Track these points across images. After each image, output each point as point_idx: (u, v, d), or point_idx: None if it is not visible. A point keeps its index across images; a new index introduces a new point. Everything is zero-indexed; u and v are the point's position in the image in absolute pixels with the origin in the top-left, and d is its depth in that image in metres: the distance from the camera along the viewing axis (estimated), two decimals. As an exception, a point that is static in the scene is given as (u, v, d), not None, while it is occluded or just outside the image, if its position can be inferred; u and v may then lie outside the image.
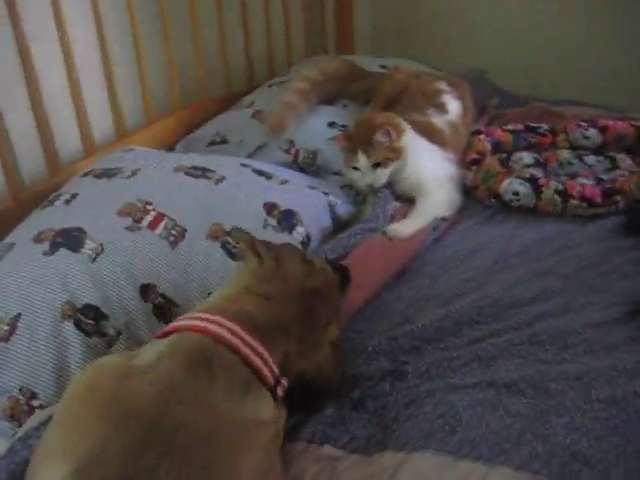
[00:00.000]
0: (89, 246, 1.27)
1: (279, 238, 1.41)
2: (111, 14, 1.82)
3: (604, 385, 1.09)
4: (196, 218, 1.37)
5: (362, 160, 1.63)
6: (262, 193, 1.48)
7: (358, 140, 1.64)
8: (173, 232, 1.33)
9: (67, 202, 1.39)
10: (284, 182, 1.56)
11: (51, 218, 1.35)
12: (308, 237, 1.48)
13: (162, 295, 1.26)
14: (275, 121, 1.84)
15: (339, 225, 1.60)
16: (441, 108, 1.82)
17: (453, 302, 1.33)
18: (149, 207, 1.35)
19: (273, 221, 1.43)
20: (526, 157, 1.84)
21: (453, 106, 1.85)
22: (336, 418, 1.10)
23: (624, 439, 0.97)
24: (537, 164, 1.80)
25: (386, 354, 1.22)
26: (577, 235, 1.52)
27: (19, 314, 1.17)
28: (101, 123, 1.84)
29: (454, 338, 1.25)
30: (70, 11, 1.67)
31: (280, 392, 0.99)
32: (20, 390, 1.14)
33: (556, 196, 1.60)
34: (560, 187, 1.60)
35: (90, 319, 1.20)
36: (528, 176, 1.68)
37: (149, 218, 1.33)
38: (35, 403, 1.14)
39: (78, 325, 1.19)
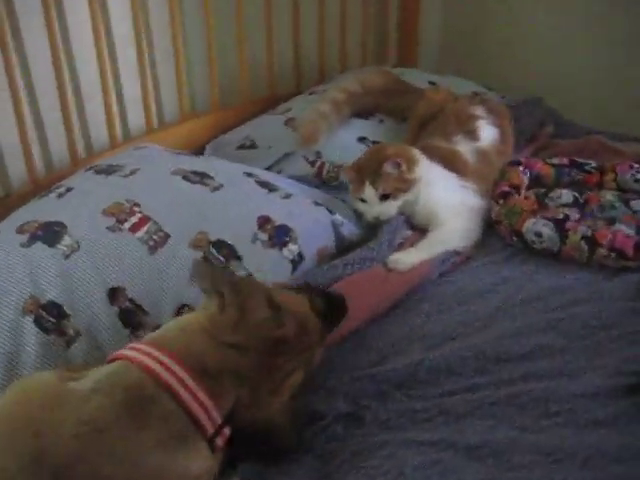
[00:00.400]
0: (66, 242, 1.25)
1: (266, 254, 1.36)
2: (155, 10, 1.82)
3: (575, 468, 0.96)
4: (182, 225, 1.33)
5: (369, 192, 1.54)
6: (259, 205, 1.42)
7: (366, 170, 1.55)
8: (155, 237, 1.29)
9: (60, 195, 1.38)
10: (287, 196, 1.49)
11: (40, 209, 1.35)
12: (300, 256, 1.40)
13: (130, 300, 1.22)
14: (307, 131, 1.79)
15: (343, 246, 1.51)
16: (472, 135, 1.69)
17: (437, 347, 1.23)
18: (136, 209, 1.32)
19: (264, 236, 1.37)
20: (565, 195, 1.68)
21: (487, 133, 1.72)
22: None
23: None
24: (575, 204, 1.65)
25: (347, 395, 1.13)
26: (597, 288, 1.36)
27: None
28: (136, 117, 1.85)
29: (426, 387, 1.15)
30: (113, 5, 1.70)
31: (220, 442, 0.92)
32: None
33: (583, 242, 1.45)
34: (589, 233, 1.45)
35: (52, 316, 1.18)
36: (561, 216, 1.53)
37: (133, 220, 1.30)
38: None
39: (38, 321, 1.17)
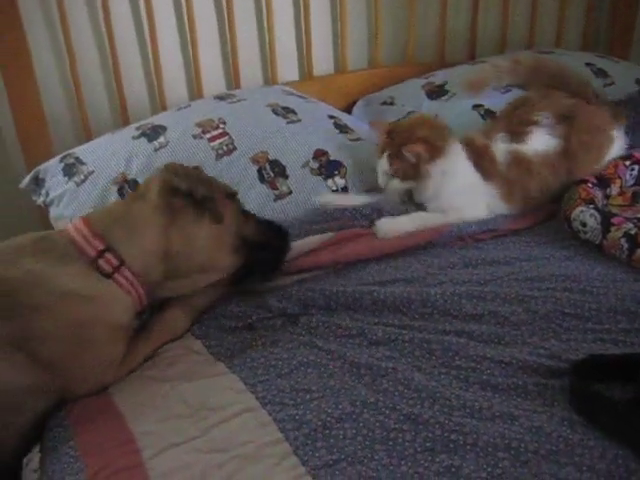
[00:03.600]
0: (160, 140, 1.62)
1: (311, 179, 1.58)
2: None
3: (433, 412, 1.02)
4: (250, 143, 1.61)
5: (382, 164, 1.54)
6: (322, 140, 1.64)
7: (393, 140, 1.53)
8: (224, 148, 1.59)
9: (180, 109, 1.77)
10: (356, 139, 1.67)
11: (161, 116, 1.75)
12: (345, 189, 1.59)
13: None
14: (474, 79, 1.86)
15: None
16: (516, 137, 1.58)
17: (401, 287, 1.31)
18: (221, 125, 1.64)
19: (315, 164, 1.59)
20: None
21: (538, 141, 1.57)
22: (224, 333, 1.27)
23: None
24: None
25: (299, 300, 1.30)
26: (606, 285, 1.27)
27: (93, 171, 1.60)
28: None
29: (366, 314, 1.25)
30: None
31: (105, 266, 1.14)
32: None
33: (623, 240, 1.36)
34: (632, 231, 1.36)
35: (130, 190, 1.56)
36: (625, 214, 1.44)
37: (214, 133, 1.62)
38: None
39: (120, 191, 1.56)
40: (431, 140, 1.50)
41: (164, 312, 1.26)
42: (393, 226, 1.49)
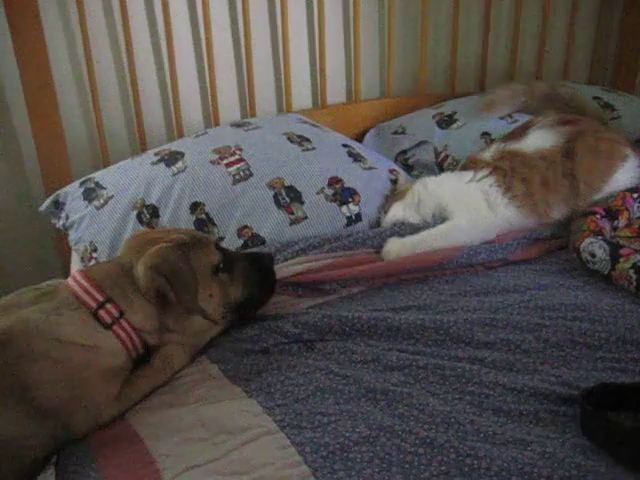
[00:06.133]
0: (178, 165, 1.67)
1: (325, 205, 1.63)
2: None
3: (449, 437, 1.05)
4: (266, 169, 1.66)
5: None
6: (336, 168, 1.69)
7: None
8: (241, 174, 1.64)
9: (197, 136, 1.82)
10: (369, 168, 1.71)
11: (179, 142, 1.80)
12: (358, 216, 1.64)
13: (206, 213, 1.60)
14: (490, 100, 2.00)
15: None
16: (514, 139, 1.69)
17: (413, 314, 1.34)
18: (238, 152, 1.69)
19: (329, 191, 1.64)
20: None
21: (533, 139, 1.68)
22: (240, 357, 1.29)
23: None
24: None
25: (316, 326, 1.32)
26: (616, 314, 1.30)
27: (112, 196, 1.64)
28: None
29: (380, 340, 1.28)
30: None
31: (106, 317, 1.16)
32: (89, 243, 1.61)
33: (632, 272, 1.39)
34: (640, 262, 1.39)
35: (149, 214, 1.60)
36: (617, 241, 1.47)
37: (232, 159, 1.67)
38: (94, 254, 1.60)
39: (139, 216, 1.60)
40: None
41: (162, 349, 1.26)
42: (402, 247, 1.53)
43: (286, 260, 1.51)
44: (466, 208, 1.61)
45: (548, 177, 1.64)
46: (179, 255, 1.20)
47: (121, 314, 1.18)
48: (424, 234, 1.57)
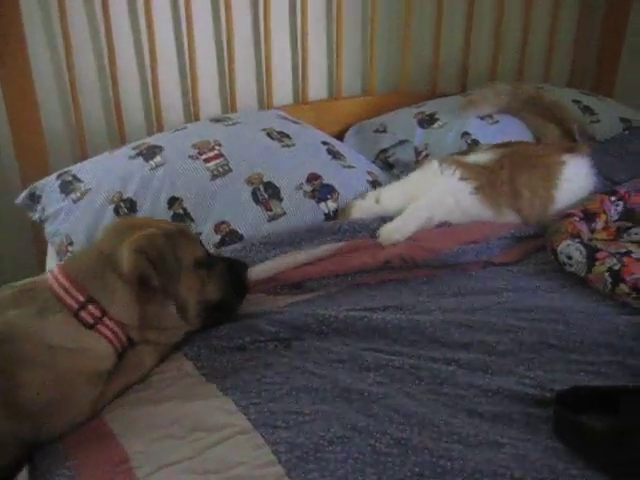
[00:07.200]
0: (156, 160, 1.65)
1: (304, 202, 1.63)
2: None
3: (420, 436, 1.04)
4: (245, 165, 1.65)
5: None
6: (315, 165, 1.69)
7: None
8: (220, 169, 1.63)
9: (177, 130, 1.81)
10: (348, 167, 1.71)
11: (158, 137, 1.78)
12: (336, 212, 1.65)
13: (184, 208, 1.58)
14: (470, 99, 2.05)
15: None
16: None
17: (391, 314, 1.34)
18: (217, 147, 1.68)
19: (308, 187, 1.64)
20: (646, 234, 1.60)
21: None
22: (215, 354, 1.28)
23: None
24: (649, 244, 1.56)
25: (293, 324, 1.32)
26: (590, 317, 1.32)
27: (90, 189, 1.62)
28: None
29: (357, 340, 1.28)
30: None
31: (87, 317, 1.13)
32: (65, 236, 1.59)
33: (607, 275, 1.40)
34: (616, 267, 1.40)
35: (126, 209, 1.59)
36: (620, 250, 1.48)
37: (210, 154, 1.66)
38: (69, 248, 1.58)
39: (116, 210, 1.59)
40: None
41: (132, 350, 1.24)
42: (396, 231, 1.55)
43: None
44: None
45: (491, 180, 1.70)
46: (165, 242, 1.19)
47: (103, 313, 1.16)
48: (408, 211, 1.60)
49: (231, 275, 1.32)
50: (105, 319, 1.16)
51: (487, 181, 1.69)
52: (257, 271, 1.44)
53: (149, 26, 1.87)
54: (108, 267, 1.18)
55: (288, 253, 1.50)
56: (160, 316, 1.23)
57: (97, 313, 1.15)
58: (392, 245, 1.52)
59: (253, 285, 1.41)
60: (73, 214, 1.60)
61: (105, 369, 1.18)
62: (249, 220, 1.58)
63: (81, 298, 1.14)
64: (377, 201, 1.66)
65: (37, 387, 1.07)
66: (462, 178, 1.68)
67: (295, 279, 1.46)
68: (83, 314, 1.14)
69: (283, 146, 1.71)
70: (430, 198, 1.63)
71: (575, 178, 1.76)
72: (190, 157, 1.65)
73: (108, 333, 1.16)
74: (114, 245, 1.19)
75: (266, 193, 1.60)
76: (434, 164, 1.72)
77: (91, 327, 1.14)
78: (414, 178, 1.73)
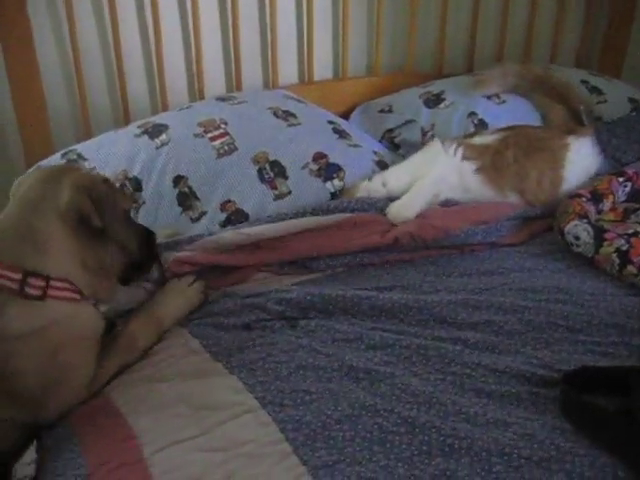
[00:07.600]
0: (162, 138, 1.64)
1: (310, 180, 1.62)
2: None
3: (425, 414, 1.04)
4: (250, 144, 1.64)
5: None
6: (321, 144, 1.67)
7: None
8: (226, 148, 1.61)
9: (181, 109, 1.80)
10: (354, 146, 1.70)
11: (163, 115, 1.77)
12: (342, 191, 1.64)
13: (189, 187, 1.57)
14: (481, 78, 2.04)
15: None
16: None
17: (398, 294, 1.34)
18: (223, 125, 1.67)
19: (314, 166, 1.63)
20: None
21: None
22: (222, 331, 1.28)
23: None
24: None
25: (300, 303, 1.32)
26: (598, 298, 1.31)
27: (94, 167, 1.61)
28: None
29: (364, 319, 1.28)
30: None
31: (32, 291, 1.07)
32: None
33: (615, 255, 1.39)
34: (624, 248, 1.39)
35: (132, 187, 1.58)
36: (628, 231, 1.47)
37: (216, 132, 1.65)
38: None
39: (121, 188, 1.57)
40: None
41: (126, 327, 1.24)
42: (405, 208, 1.55)
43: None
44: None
45: (496, 160, 1.70)
46: (105, 185, 1.21)
47: (47, 280, 1.09)
48: (415, 188, 1.60)
49: (147, 237, 1.33)
50: (52, 283, 1.09)
51: (491, 161, 1.68)
52: (263, 229, 1.44)
53: (153, 2, 1.84)
54: (35, 220, 1.11)
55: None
56: (103, 260, 1.19)
57: (40, 282, 1.08)
58: (402, 223, 1.51)
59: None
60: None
61: (91, 332, 1.16)
62: (255, 199, 1.57)
63: (16, 276, 1.07)
64: (384, 184, 1.65)
65: (28, 375, 1.07)
66: (465, 157, 1.67)
67: (304, 250, 1.45)
68: (27, 290, 1.07)
69: (289, 125, 1.70)
70: (434, 175, 1.62)
71: (580, 160, 1.75)
72: (196, 135, 1.64)
73: (64, 294, 1.11)
74: (45, 191, 1.14)
75: (272, 172, 1.59)
76: (437, 144, 1.71)
77: (41, 298, 1.08)
78: (418, 158, 1.72)
